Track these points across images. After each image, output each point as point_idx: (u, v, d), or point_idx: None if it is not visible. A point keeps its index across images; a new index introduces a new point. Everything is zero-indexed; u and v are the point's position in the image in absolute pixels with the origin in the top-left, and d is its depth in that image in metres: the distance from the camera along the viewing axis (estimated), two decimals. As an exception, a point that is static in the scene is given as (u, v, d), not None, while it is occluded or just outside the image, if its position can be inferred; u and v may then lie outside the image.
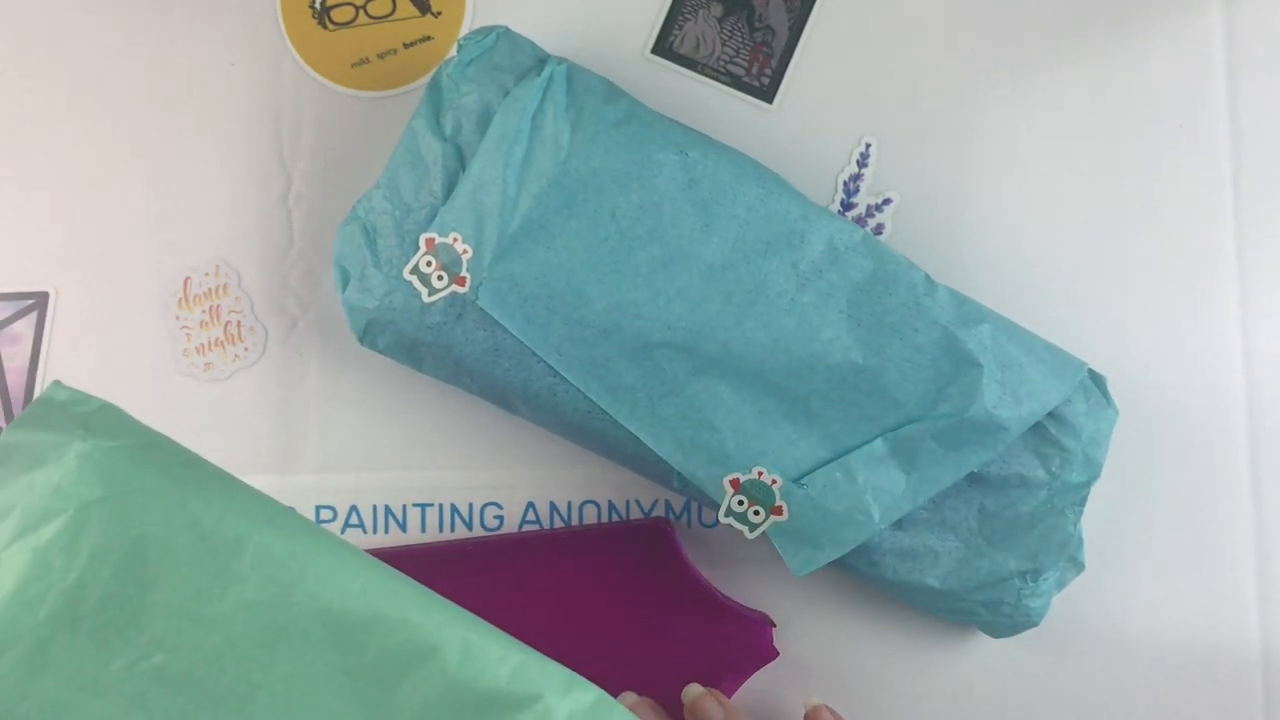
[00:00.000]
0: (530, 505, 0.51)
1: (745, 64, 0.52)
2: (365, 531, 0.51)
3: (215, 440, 0.51)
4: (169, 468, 0.33)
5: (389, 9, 0.52)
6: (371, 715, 0.31)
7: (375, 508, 0.51)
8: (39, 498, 0.31)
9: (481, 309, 0.45)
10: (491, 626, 0.33)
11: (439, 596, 0.33)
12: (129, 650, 0.31)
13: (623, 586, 0.49)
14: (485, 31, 0.47)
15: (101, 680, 0.31)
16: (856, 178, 0.51)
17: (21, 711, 0.31)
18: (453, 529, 0.51)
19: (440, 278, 0.45)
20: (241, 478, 0.50)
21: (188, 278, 0.52)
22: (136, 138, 0.52)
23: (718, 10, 0.52)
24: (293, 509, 0.38)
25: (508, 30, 0.47)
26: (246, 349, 0.52)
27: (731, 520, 0.45)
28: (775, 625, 0.49)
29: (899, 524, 0.45)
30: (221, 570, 0.31)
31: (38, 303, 0.52)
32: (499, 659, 0.31)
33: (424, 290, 0.45)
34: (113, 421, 0.33)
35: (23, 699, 0.30)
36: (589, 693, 0.32)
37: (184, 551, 0.31)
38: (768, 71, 0.52)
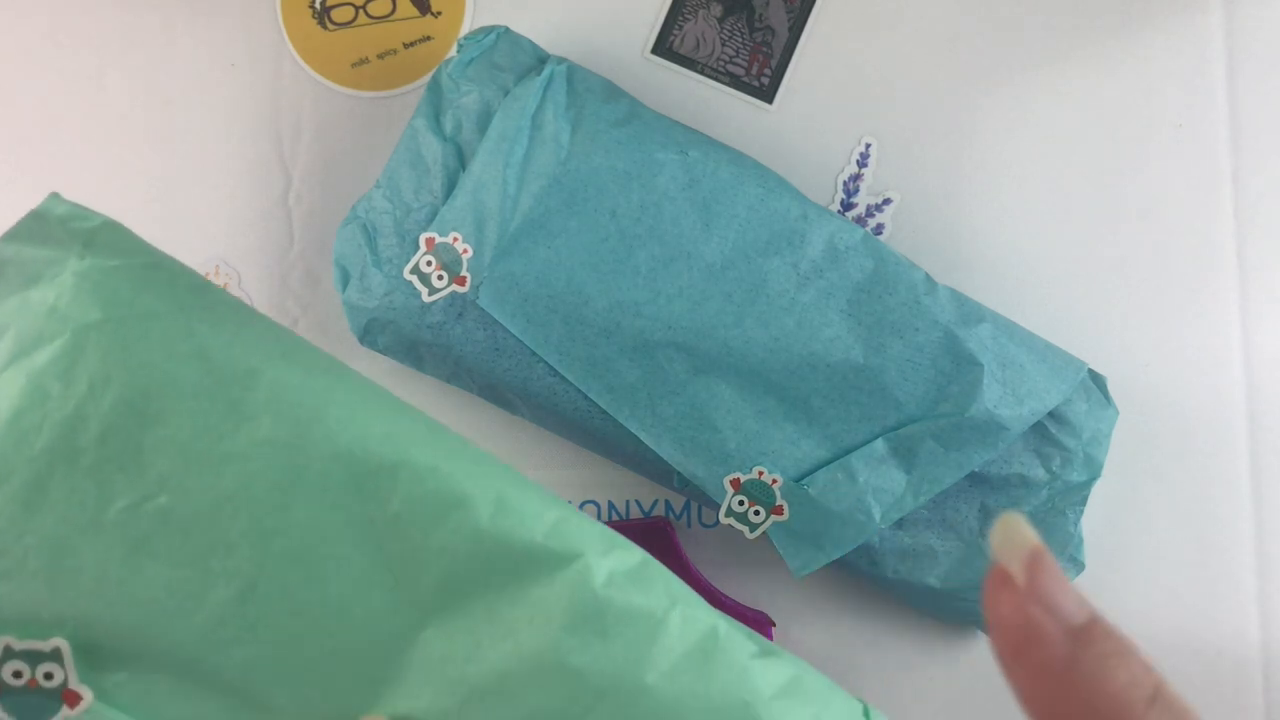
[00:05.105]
0: (530, 505, 0.51)
1: (745, 64, 0.52)
2: (365, 531, 0.51)
3: (215, 440, 0.51)
4: (174, 291, 0.30)
5: (389, 9, 0.52)
6: (394, 568, 0.28)
7: (375, 508, 0.51)
8: (34, 319, 0.28)
9: (481, 308, 0.45)
10: (530, 480, 0.30)
11: (473, 445, 0.30)
12: (131, 490, 0.28)
13: (623, 586, 0.49)
14: (485, 31, 0.47)
15: (102, 521, 0.28)
16: (856, 178, 0.51)
17: (18, 549, 0.28)
18: (453, 529, 0.51)
19: (440, 277, 0.45)
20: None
21: (187, 278, 0.52)
22: (136, 138, 0.52)
23: (718, 10, 0.52)
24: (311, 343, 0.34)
25: (508, 30, 0.47)
26: (246, 349, 0.52)
27: (732, 520, 0.45)
28: (775, 625, 0.49)
29: (899, 524, 0.45)
30: (232, 405, 0.28)
31: (37, 303, 0.51)
32: (536, 514, 0.29)
33: (424, 290, 0.45)
34: (115, 239, 0.30)
35: (19, 536, 0.28)
36: (633, 554, 0.29)
37: (190, 384, 0.28)
38: (767, 71, 0.52)
